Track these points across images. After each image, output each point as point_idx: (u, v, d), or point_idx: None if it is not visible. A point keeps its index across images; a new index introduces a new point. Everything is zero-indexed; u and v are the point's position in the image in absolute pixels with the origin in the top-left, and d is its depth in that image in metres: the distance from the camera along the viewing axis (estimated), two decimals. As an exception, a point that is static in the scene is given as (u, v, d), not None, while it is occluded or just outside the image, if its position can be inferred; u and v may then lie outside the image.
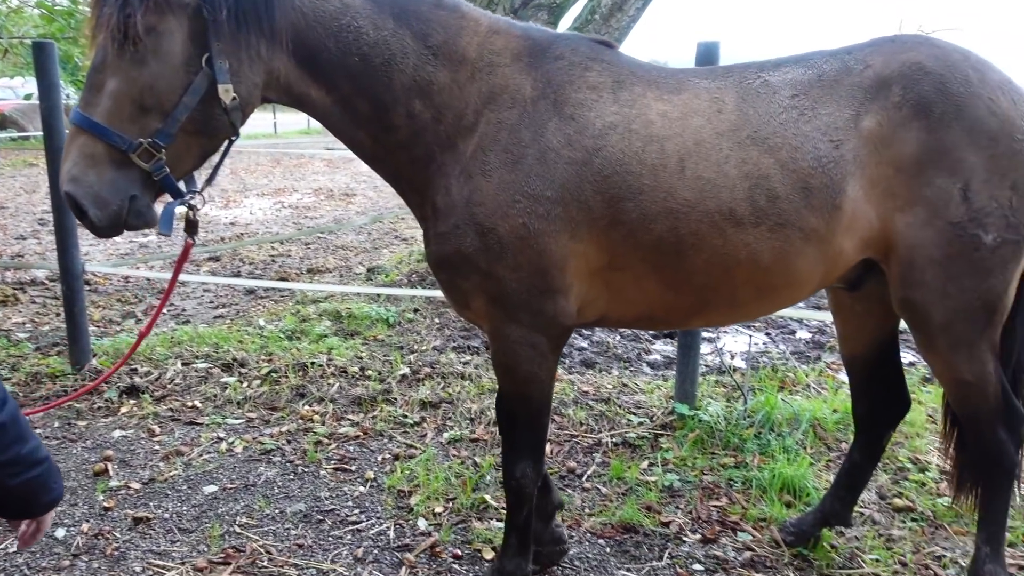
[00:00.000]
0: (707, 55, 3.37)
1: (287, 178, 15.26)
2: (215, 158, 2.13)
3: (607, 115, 2.04)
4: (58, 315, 5.41)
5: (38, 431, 3.69)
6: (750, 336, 5.14)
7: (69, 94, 6.49)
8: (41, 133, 4.23)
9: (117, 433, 3.69)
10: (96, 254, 8.06)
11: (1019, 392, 2.32)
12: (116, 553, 2.75)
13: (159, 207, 2.00)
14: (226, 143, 2.07)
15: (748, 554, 2.76)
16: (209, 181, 2.18)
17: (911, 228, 2.01)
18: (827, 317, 4.56)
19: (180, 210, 2.04)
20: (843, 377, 4.51)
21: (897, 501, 3.08)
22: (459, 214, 2.05)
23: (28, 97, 5.54)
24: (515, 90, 2.06)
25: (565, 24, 5.88)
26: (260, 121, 28.33)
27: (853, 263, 2.14)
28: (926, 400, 3.98)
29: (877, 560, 2.71)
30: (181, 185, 2.00)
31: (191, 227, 2.12)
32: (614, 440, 3.60)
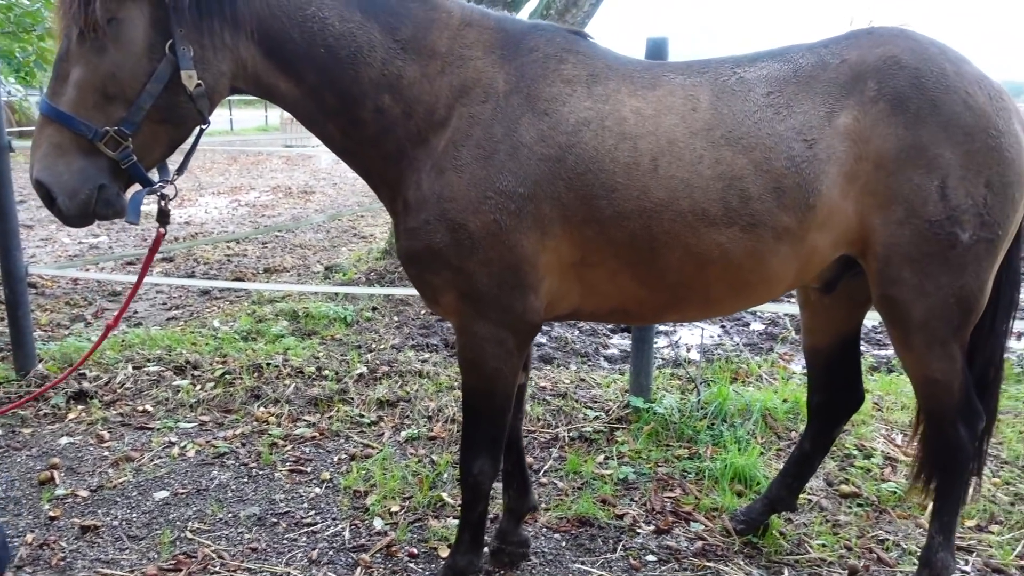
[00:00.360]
0: (656, 52, 3.40)
1: (244, 176, 15.02)
2: (187, 147, 2.14)
3: (581, 111, 2.02)
4: (2, 319, 5.25)
5: (-20, 440, 3.59)
6: (702, 330, 5.21)
7: (11, 91, 6.27)
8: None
9: (64, 440, 3.60)
10: (43, 256, 7.84)
11: (987, 389, 2.33)
12: (62, 563, 2.68)
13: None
14: (196, 132, 2.06)
15: (700, 544, 2.81)
16: (180, 170, 2.16)
17: (889, 226, 1.99)
18: (780, 309, 4.67)
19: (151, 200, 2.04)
20: (794, 367, 4.62)
21: (844, 487, 3.17)
22: (430, 209, 2.03)
23: (-33, 95, 5.35)
24: (488, 84, 2.04)
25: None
26: (216, 117, 27.78)
27: (829, 260, 2.13)
28: (872, 388, 4.10)
29: (824, 545, 2.78)
30: (154, 175, 2.00)
31: (162, 216, 2.11)
32: (571, 435, 3.63)
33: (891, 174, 1.97)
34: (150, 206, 2.07)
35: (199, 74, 1.89)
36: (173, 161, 2.12)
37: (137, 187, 2.00)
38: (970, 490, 2.42)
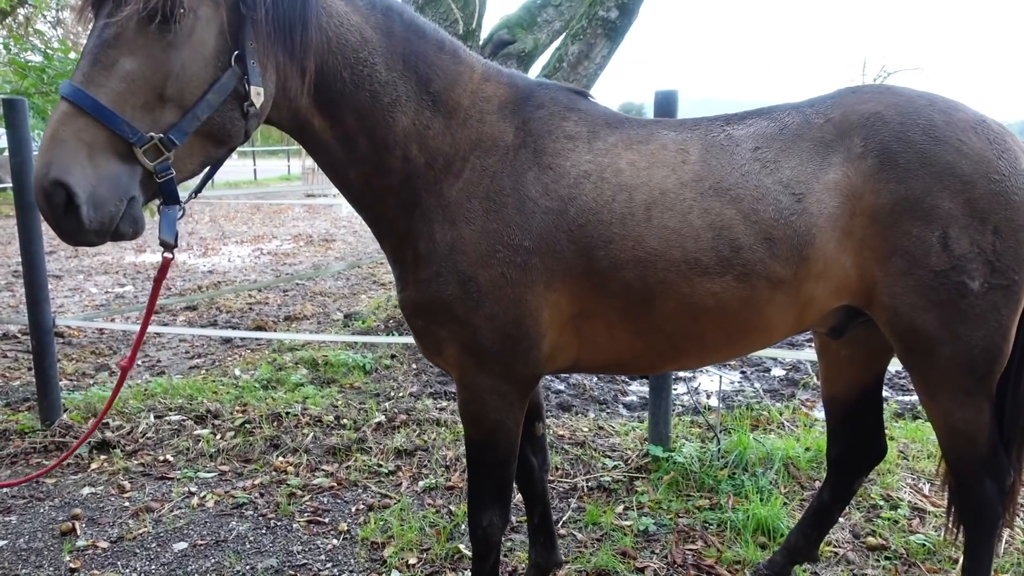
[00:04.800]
0: (665, 103, 3.46)
1: (267, 225, 15.29)
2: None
3: (582, 164, 2.06)
4: (29, 369, 5.34)
5: (3, 490, 3.62)
6: (720, 376, 5.16)
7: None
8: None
9: (86, 490, 3.63)
10: (71, 305, 8.00)
11: (1016, 441, 2.24)
12: (81, 616, 2.68)
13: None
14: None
15: (723, 598, 2.75)
16: (197, 192, 2.07)
17: (892, 278, 1.98)
18: (801, 355, 4.63)
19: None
20: (816, 414, 4.55)
21: (870, 539, 3.09)
22: (441, 261, 2.04)
23: (0, 151, 5.55)
24: (499, 138, 2.08)
25: (534, 72, 6.03)
26: (240, 167, 28.43)
27: (829, 309, 2.12)
28: (897, 435, 4.03)
29: (851, 600, 2.71)
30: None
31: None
32: (589, 484, 3.60)
33: (888, 227, 1.96)
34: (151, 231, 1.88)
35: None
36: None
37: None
38: (1002, 544, 2.35)
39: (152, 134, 1.65)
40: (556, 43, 6.03)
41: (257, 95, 1.77)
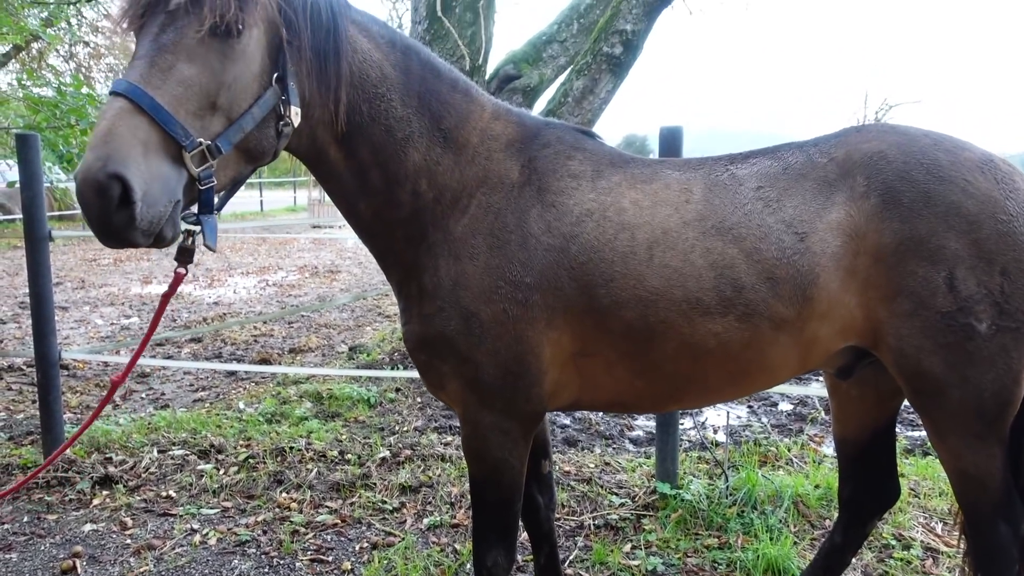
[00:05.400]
0: (670, 138, 3.49)
1: (272, 256, 15.35)
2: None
3: (585, 202, 2.07)
4: (34, 402, 5.33)
5: (5, 526, 3.59)
6: (728, 411, 5.12)
7: (52, 181, 6.58)
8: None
9: (88, 527, 3.59)
10: (76, 337, 8.01)
11: None
12: (79, 658, 2.63)
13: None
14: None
15: (734, 642, 2.69)
16: (220, 206, 2.04)
17: (897, 318, 1.95)
18: (809, 391, 4.59)
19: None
20: (825, 450, 4.50)
21: (883, 580, 3.04)
22: (445, 296, 2.05)
23: (12, 184, 5.62)
24: (505, 175, 2.10)
25: (539, 106, 6.09)
26: (247, 199, 28.65)
27: (834, 350, 2.09)
28: (908, 472, 3.97)
29: (865, 645, 2.65)
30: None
31: (185, 256, 1.87)
32: (596, 522, 3.55)
33: (892, 267, 1.94)
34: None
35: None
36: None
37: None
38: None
39: (201, 140, 1.68)
40: (561, 78, 6.10)
41: (296, 115, 1.85)
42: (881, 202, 1.96)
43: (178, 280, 1.90)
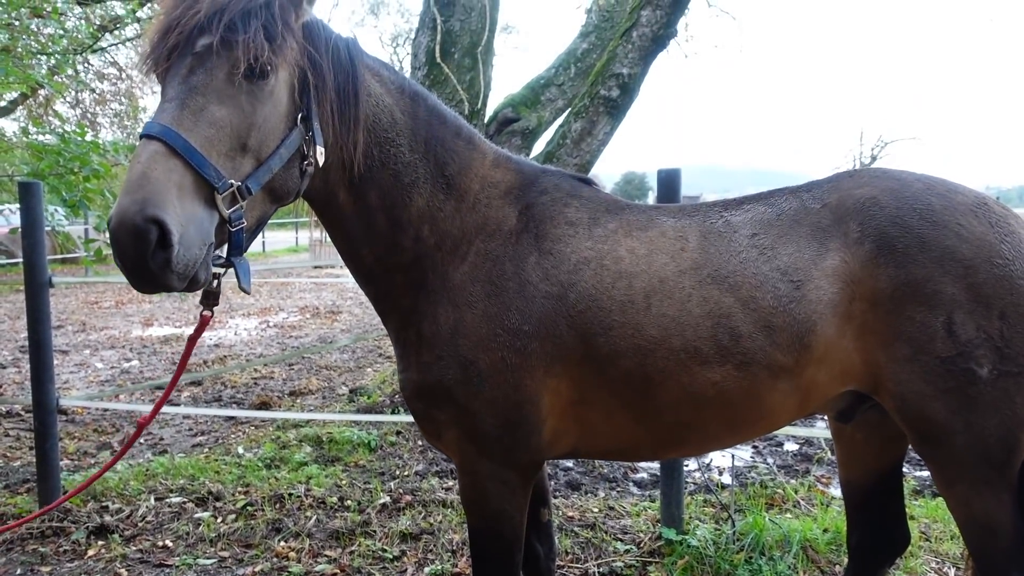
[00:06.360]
0: (668, 181, 3.51)
1: (273, 297, 15.37)
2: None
3: (582, 250, 2.07)
4: (31, 448, 5.27)
5: (-2, 580, 3.52)
6: (732, 454, 5.06)
7: (54, 226, 6.61)
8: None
9: (82, 579, 3.52)
10: (76, 381, 7.96)
11: None
12: None
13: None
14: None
15: None
16: (244, 249, 2.02)
17: (896, 363, 1.93)
18: (814, 432, 4.54)
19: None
20: (833, 491, 4.43)
21: (896, 629, 2.96)
22: (444, 345, 2.03)
23: (14, 232, 5.65)
24: (503, 222, 2.11)
25: (538, 148, 6.15)
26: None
27: (833, 395, 2.07)
28: (917, 515, 3.90)
29: None
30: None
31: (211, 299, 1.87)
32: (601, 570, 3.47)
33: (889, 313, 1.93)
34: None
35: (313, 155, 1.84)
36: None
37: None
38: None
39: (232, 181, 1.67)
40: (559, 120, 6.17)
41: (320, 155, 1.86)
42: (875, 248, 1.95)
43: (204, 322, 1.89)
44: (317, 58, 1.87)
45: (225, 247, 1.76)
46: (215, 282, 1.81)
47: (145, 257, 1.52)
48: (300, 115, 1.84)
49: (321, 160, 1.87)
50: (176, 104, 1.65)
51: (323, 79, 1.87)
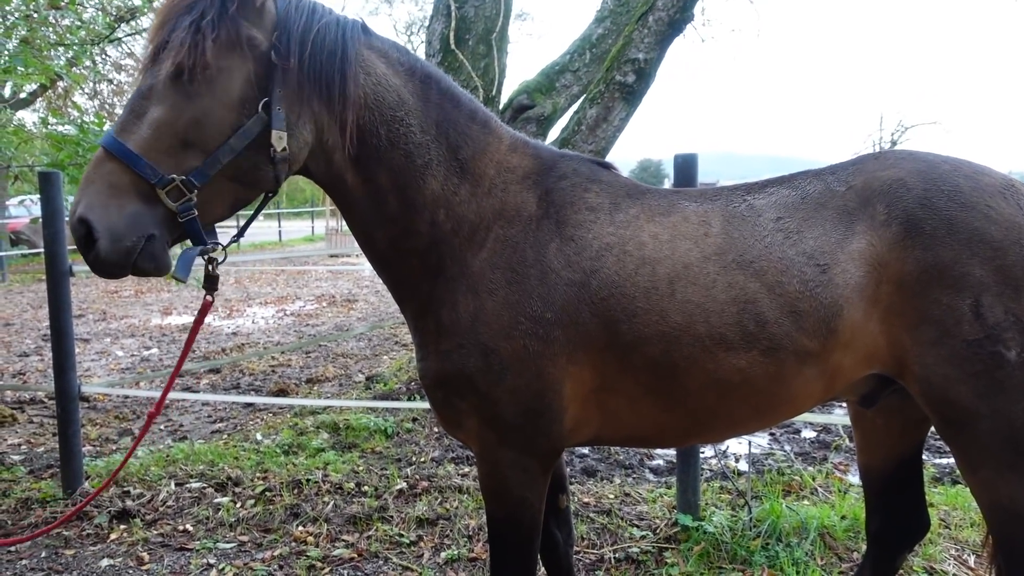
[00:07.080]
0: (685, 166, 3.48)
1: (290, 286, 15.45)
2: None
3: (604, 236, 2.04)
4: (54, 435, 5.36)
5: (23, 562, 3.59)
6: (749, 441, 5.04)
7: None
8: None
9: (105, 562, 3.58)
10: (97, 369, 8.07)
11: None
12: None
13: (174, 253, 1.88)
14: (261, 198, 2.00)
15: None
16: (238, 236, 2.13)
17: (922, 347, 1.90)
18: (832, 419, 4.50)
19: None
20: (851, 478, 4.40)
21: (915, 616, 2.94)
22: (464, 333, 2.01)
23: (35, 221, 5.71)
24: (522, 207, 2.08)
25: (553, 135, 6.12)
26: (266, 229, 28.98)
27: (857, 378, 2.05)
28: (937, 502, 3.87)
29: None
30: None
31: (211, 282, 2.00)
32: (617, 556, 3.48)
33: (916, 295, 1.90)
34: (197, 271, 1.94)
35: (287, 138, 1.85)
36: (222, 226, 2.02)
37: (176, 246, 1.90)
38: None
39: (174, 176, 1.75)
40: (574, 107, 6.13)
41: (279, 139, 1.84)
42: (903, 230, 1.92)
43: (206, 306, 2.03)
44: (283, 41, 1.85)
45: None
46: (210, 266, 1.97)
47: (83, 250, 1.73)
48: (264, 101, 1.83)
49: (280, 145, 1.84)
50: (126, 112, 1.80)
51: (288, 59, 1.84)
